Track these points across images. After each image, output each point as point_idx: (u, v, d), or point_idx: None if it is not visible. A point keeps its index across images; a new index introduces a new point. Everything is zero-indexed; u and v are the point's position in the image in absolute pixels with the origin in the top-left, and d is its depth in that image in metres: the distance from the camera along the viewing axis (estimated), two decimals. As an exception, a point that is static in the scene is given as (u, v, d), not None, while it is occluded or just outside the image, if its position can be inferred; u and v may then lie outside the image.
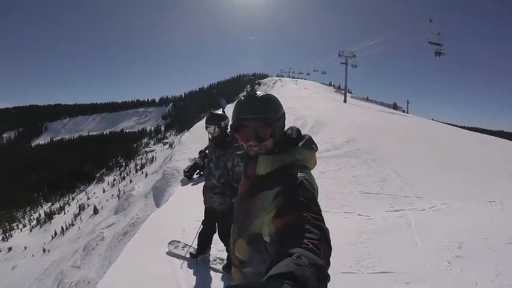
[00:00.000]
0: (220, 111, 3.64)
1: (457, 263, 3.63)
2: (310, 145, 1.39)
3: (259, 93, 1.44)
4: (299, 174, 1.21)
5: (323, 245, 0.91)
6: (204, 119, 3.68)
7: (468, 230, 4.41)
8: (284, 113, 1.43)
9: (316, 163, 1.40)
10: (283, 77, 70.63)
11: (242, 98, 1.42)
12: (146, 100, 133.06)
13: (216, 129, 3.50)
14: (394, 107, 45.37)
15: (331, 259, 0.94)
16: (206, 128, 3.55)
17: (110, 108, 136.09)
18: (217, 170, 3.46)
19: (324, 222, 1.02)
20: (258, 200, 1.26)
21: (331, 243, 0.97)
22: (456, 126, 22.45)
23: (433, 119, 29.07)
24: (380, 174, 7.50)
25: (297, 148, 1.34)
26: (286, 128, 1.46)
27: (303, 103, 20.56)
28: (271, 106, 1.37)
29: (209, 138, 3.68)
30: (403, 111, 38.56)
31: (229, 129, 3.48)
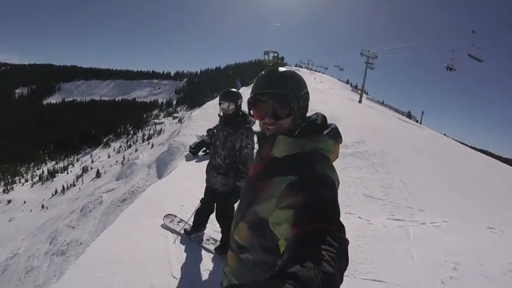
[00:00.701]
0: (234, 91, 3.49)
1: (450, 284, 3.56)
2: (336, 135, 1.28)
3: (281, 68, 1.32)
4: (320, 168, 1.12)
5: (341, 260, 0.84)
6: (218, 98, 3.55)
7: (465, 252, 4.32)
8: (307, 93, 1.33)
9: (338, 156, 1.29)
10: (301, 67, 69.73)
11: (263, 72, 1.33)
12: (162, 72, 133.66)
13: (231, 106, 3.33)
14: (408, 115, 44.86)
15: None
16: (220, 104, 3.38)
17: (125, 75, 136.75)
18: (224, 150, 3.37)
19: (344, 232, 0.95)
20: (268, 185, 1.18)
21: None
22: (466, 145, 22.02)
23: (445, 134, 28.65)
24: (386, 180, 7.38)
25: (321, 136, 1.23)
26: (312, 114, 1.36)
27: (318, 97, 20.27)
28: (292, 83, 1.27)
29: (219, 116, 3.55)
30: (417, 121, 38.10)
31: (242, 109, 3.38)
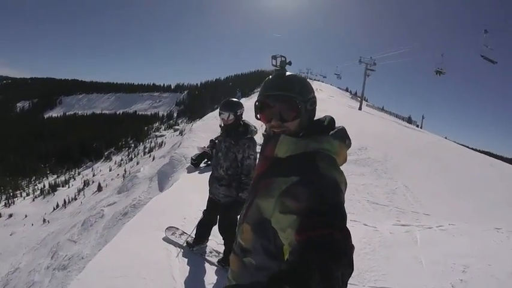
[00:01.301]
0: (234, 101, 3.40)
1: (460, 287, 3.52)
2: (343, 137, 1.24)
3: (289, 72, 1.32)
4: (324, 169, 1.08)
5: (344, 266, 0.81)
6: (218, 110, 3.48)
7: (473, 254, 4.29)
8: (314, 97, 1.31)
9: (346, 160, 1.26)
10: (300, 78, 69.94)
11: (270, 76, 1.31)
12: (162, 85, 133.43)
13: (231, 117, 3.26)
14: (409, 120, 44.86)
15: None
16: (220, 114, 3.31)
17: (126, 88, 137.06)
18: (226, 161, 3.31)
19: (350, 238, 0.90)
20: (268, 184, 1.15)
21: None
22: (468, 147, 21.90)
23: (446, 138, 28.58)
24: (389, 186, 7.34)
25: (326, 136, 1.20)
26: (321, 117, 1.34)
27: (318, 106, 19.91)
28: (300, 86, 1.26)
29: (220, 126, 3.50)
30: (417, 126, 38.08)
31: (243, 119, 3.33)
